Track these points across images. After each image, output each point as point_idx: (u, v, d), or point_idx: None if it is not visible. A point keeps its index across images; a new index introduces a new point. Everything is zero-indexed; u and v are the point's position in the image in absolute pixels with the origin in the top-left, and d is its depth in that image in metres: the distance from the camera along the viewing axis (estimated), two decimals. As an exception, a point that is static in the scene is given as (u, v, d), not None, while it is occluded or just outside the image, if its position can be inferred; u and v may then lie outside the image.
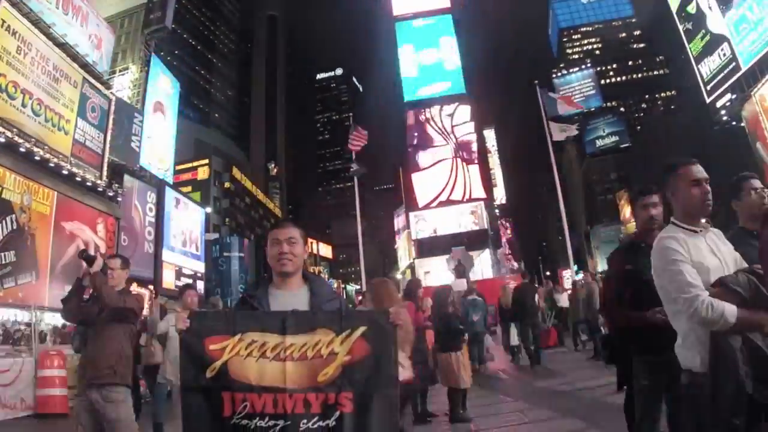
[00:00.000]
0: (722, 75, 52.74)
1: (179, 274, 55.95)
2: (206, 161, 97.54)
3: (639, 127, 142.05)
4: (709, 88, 54.40)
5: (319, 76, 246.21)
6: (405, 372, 7.36)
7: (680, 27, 57.31)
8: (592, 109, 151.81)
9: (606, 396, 9.66)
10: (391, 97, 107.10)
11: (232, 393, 3.26)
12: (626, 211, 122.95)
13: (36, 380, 14.11)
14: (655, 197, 5.74)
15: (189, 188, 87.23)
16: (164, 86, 54.52)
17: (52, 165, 35.24)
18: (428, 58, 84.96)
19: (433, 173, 77.55)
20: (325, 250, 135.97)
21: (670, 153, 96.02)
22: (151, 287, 47.56)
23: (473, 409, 10.59)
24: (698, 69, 55.22)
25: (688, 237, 3.76)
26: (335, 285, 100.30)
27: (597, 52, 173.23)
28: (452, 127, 79.72)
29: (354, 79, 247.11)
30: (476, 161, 79.02)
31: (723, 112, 59.39)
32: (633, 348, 5.01)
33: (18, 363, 14.20)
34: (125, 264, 6.99)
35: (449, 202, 76.13)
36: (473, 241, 68.33)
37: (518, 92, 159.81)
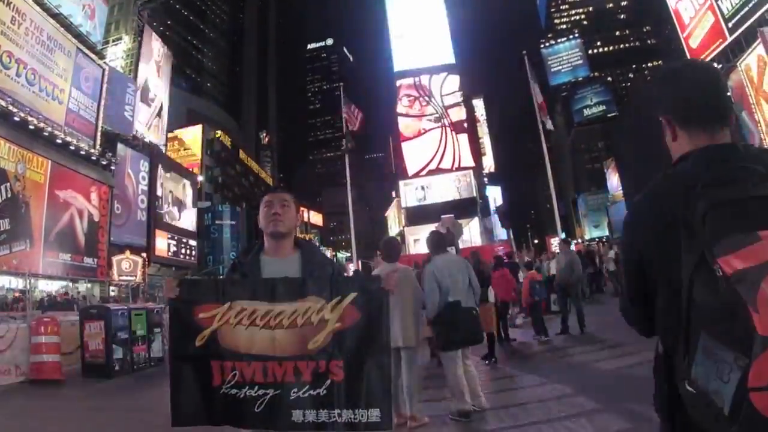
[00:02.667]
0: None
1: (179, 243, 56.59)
2: (198, 129, 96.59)
3: (626, 97, 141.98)
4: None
5: (310, 46, 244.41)
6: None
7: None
8: (580, 79, 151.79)
9: (594, 363, 10.15)
10: (381, 67, 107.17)
11: (221, 362, 3.28)
12: (613, 179, 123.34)
13: (30, 346, 14.01)
14: None
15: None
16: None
17: (46, 134, 35.64)
18: (418, 28, 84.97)
19: (423, 142, 77.59)
20: (316, 218, 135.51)
21: (656, 122, 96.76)
22: (144, 255, 47.83)
23: None
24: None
25: None
26: (328, 253, 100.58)
27: (585, 22, 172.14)
28: (441, 96, 79.70)
29: (344, 49, 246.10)
30: (465, 130, 79.22)
31: (709, 81, 60.02)
32: None
33: (12, 329, 14.16)
34: None
35: (439, 171, 76.28)
36: (463, 209, 68.65)
37: (507, 62, 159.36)
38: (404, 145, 78.85)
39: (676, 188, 1.91)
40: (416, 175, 77.10)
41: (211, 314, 3.30)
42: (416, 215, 72.82)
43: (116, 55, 48.48)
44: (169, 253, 54.80)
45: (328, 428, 3.20)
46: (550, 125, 36.27)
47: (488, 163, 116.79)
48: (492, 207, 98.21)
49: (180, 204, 58.61)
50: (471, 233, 67.04)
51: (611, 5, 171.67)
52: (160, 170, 53.76)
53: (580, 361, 10.60)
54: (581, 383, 8.51)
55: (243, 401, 3.22)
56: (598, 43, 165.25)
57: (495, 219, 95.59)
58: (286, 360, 3.25)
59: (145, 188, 50.91)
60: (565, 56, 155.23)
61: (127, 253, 45.84)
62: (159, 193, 53.43)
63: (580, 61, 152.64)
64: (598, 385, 8.31)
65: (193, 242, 61.08)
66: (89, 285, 40.80)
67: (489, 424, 6.90)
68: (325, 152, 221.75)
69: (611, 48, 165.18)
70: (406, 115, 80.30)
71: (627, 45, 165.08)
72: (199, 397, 3.30)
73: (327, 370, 3.25)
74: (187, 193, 61.04)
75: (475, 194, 75.62)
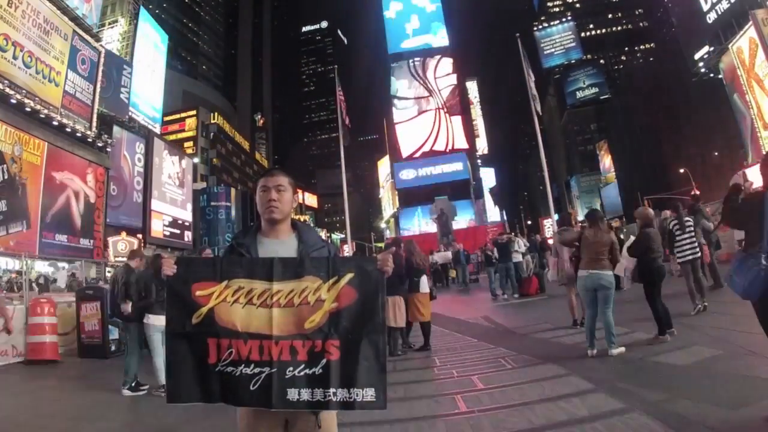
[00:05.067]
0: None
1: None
2: (194, 112, 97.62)
3: (618, 79, 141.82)
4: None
5: (304, 29, 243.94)
6: None
7: None
8: (573, 61, 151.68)
9: (582, 344, 9.68)
10: (375, 50, 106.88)
11: (217, 339, 3.29)
12: (606, 161, 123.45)
13: (27, 327, 14.10)
14: None
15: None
16: (153, 39, 55.04)
17: (42, 116, 35.57)
18: (412, 12, 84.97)
19: (417, 124, 77.79)
20: (311, 200, 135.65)
21: (648, 104, 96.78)
22: (140, 236, 47.96)
23: (454, 354, 10.99)
24: None
25: None
26: (322, 234, 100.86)
27: (577, 5, 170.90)
28: (435, 78, 79.87)
29: (339, 32, 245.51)
30: (459, 112, 79.40)
31: (701, 64, 60.10)
32: None
33: (9, 310, 13.09)
34: None
35: (432, 153, 76.51)
36: (456, 190, 68.82)
37: (500, 45, 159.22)
38: (398, 127, 79.08)
39: None
40: (410, 156, 77.33)
41: (208, 292, 3.33)
42: (410, 197, 72.97)
43: (112, 37, 48.42)
44: (165, 235, 54.96)
45: (323, 407, 3.26)
46: (537, 108, 36.15)
47: (482, 145, 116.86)
48: (485, 188, 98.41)
49: (176, 183, 58.69)
50: (465, 214, 67.12)
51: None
52: (156, 148, 53.80)
53: (573, 342, 10.62)
54: (573, 364, 8.61)
55: (238, 379, 3.24)
56: (591, 26, 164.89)
57: (488, 200, 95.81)
58: (283, 339, 3.27)
59: (141, 170, 51.02)
60: (558, 39, 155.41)
61: (123, 234, 45.96)
62: (155, 166, 53.65)
63: (573, 44, 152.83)
64: (589, 366, 8.39)
65: (188, 223, 61.12)
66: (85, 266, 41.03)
67: (483, 404, 6.92)
68: (319, 134, 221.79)
69: (604, 31, 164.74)
70: (400, 98, 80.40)
71: (619, 28, 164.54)
72: (194, 375, 3.32)
73: (323, 350, 3.27)
74: (183, 173, 61.05)
75: (468, 176, 75.77)
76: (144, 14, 52.38)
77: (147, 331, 9.33)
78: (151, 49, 54.60)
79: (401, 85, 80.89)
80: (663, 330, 9.34)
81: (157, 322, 9.14)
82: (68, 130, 38.67)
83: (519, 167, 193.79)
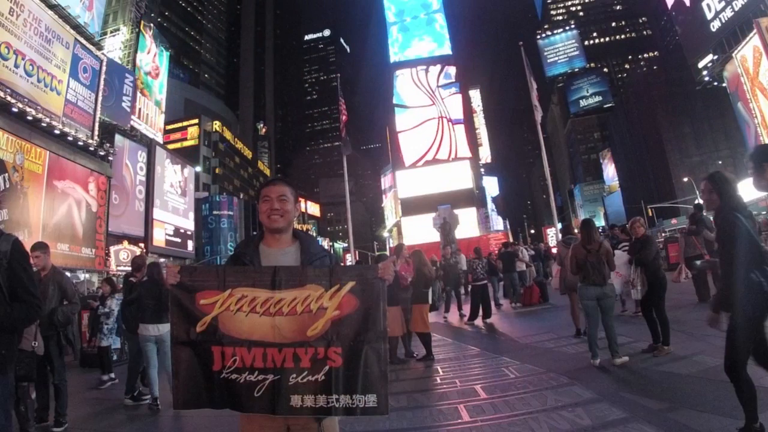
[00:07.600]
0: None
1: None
2: (196, 121, 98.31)
3: (622, 88, 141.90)
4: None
5: (307, 37, 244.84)
6: None
7: None
8: (576, 70, 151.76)
9: (588, 353, 9.61)
10: (378, 58, 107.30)
11: (222, 347, 3.32)
12: (609, 170, 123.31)
13: None
14: None
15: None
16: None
17: (44, 125, 35.66)
18: (415, 20, 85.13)
19: (420, 133, 77.80)
20: (313, 209, 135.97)
21: (652, 113, 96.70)
22: (142, 245, 47.96)
23: (457, 363, 10.96)
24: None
25: None
26: (325, 243, 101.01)
27: (581, 13, 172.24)
28: (438, 87, 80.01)
29: (341, 40, 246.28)
30: (462, 121, 79.47)
31: (705, 72, 60.13)
32: None
33: None
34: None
35: (435, 161, 76.52)
36: (459, 199, 68.72)
37: (503, 53, 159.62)
38: (401, 136, 79.08)
39: None
40: (413, 165, 77.37)
41: (212, 301, 3.35)
42: (413, 206, 72.89)
43: (114, 46, 48.49)
44: (167, 244, 54.94)
45: (326, 413, 3.29)
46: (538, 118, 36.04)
47: (485, 154, 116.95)
48: (488, 197, 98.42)
49: (178, 192, 58.74)
50: (469, 224, 67.00)
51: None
52: (158, 157, 53.93)
53: (576, 351, 10.60)
54: (576, 373, 8.59)
55: (243, 386, 3.27)
56: (594, 34, 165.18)
57: (492, 209, 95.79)
58: (286, 346, 3.29)
59: (143, 179, 51.16)
60: (561, 47, 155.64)
61: (125, 243, 46.01)
62: (157, 174, 53.74)
63: (577, 52, 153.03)
64: (593, 375, 8.37)
65: (190, 232, 61.14)
66: (87, 275, 40.98)
67: (486, 414, 6.86)
68: (322, 143, 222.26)
69: (607, 39, 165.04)
70: (403, 106, 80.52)
71: (623, 36, 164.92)
72: (199, 382, 3.34)
73: (325, 357, 3.29)
74: (185, 182, 61.10)
75: (471, 185, 75.75)
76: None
77: (140, 341, 9.23)
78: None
79: (404, 94, 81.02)
80: (666, 340, 9.24)
81: (147, 332, 9.08)
82: (70, 138, 38.81)
83: (522, 176, 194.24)
